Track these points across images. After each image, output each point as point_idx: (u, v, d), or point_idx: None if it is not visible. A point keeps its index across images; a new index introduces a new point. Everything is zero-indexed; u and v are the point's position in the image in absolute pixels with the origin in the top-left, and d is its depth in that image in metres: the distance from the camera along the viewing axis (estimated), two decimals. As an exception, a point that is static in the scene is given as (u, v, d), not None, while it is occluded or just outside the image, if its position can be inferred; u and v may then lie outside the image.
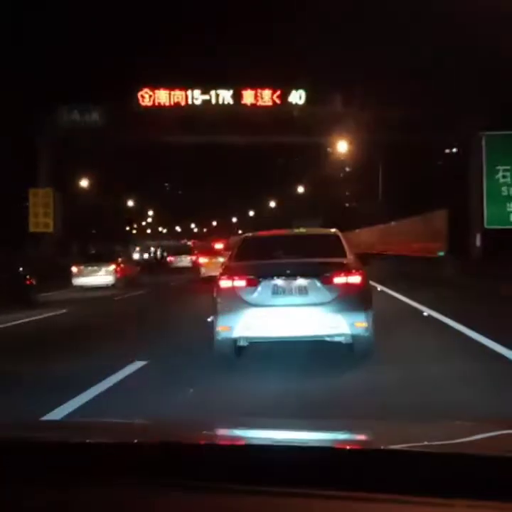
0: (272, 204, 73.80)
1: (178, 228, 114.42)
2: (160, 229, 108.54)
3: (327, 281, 6.14)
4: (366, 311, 6.18)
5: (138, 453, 1.25)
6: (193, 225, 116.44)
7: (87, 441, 1.40)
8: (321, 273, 6.17)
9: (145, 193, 65.51)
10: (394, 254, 30.42)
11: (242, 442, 1.45)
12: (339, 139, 29.21)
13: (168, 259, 41.68)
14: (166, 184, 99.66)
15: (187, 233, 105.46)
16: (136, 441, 1.40)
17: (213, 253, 24.36)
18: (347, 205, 59.03)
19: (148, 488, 1.12)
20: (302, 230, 8.72)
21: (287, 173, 63.85)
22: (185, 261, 36.05)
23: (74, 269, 21.70)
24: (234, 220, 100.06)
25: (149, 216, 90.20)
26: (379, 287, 14.64)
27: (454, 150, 32.48)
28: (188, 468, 1.16)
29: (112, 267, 21.44)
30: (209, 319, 7.00)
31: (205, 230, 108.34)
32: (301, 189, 59.86)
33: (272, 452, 1.23)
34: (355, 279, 6.21)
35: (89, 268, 21.39)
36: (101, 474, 1.18)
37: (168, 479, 1.14)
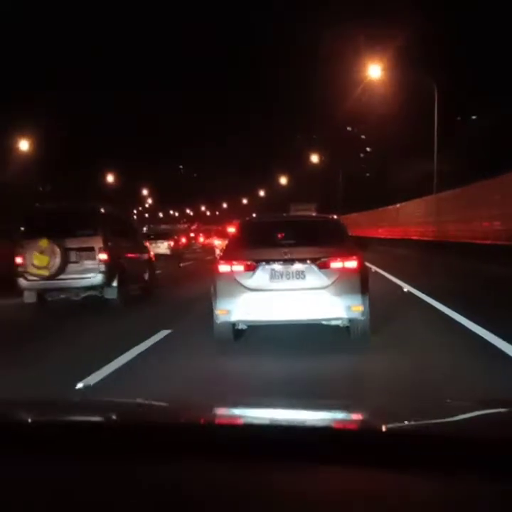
0: (283, 181, 71.96)
1: (189, 211, 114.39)
2: (171, 212, 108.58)
3: (324, 266, 6.22)
4: (363, 295, 6.23)
5: (147, 432, 1.29)
6: (203, 208, 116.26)
7: (97, 420, 1.48)
8: (318, 258, 6.27)
9: (140, 172, 62.28)
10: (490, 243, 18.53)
11: (243, 421, 1.49)
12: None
13: None
14: (180, 166, 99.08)
15: (198, 216, 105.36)
16: (146, 420, 1.46)
17: (226, 235, 24.78)
18: (368, 174, 54.73)
19: (157, 466, 1.15)
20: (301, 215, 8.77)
21: (301, 149, 62.24)
22: (161, 247, 30.76)
23: None
24: (244, 201, 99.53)
25: (146, 196, 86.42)
26: None
27: None
28: (195, 447, 1.19)
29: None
30: None
31: (217, 212, 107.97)
32: (314, 159, 57.88)
33: (273, 431, 1.28)
34: (352, 263, 6.27)
35: None
36: (111, 453, 1.22)
37: (176, 458, 1.17)
